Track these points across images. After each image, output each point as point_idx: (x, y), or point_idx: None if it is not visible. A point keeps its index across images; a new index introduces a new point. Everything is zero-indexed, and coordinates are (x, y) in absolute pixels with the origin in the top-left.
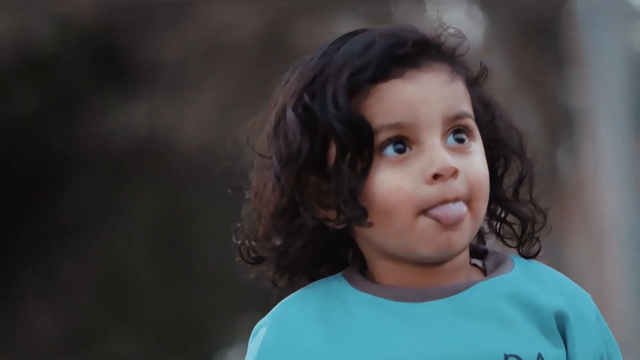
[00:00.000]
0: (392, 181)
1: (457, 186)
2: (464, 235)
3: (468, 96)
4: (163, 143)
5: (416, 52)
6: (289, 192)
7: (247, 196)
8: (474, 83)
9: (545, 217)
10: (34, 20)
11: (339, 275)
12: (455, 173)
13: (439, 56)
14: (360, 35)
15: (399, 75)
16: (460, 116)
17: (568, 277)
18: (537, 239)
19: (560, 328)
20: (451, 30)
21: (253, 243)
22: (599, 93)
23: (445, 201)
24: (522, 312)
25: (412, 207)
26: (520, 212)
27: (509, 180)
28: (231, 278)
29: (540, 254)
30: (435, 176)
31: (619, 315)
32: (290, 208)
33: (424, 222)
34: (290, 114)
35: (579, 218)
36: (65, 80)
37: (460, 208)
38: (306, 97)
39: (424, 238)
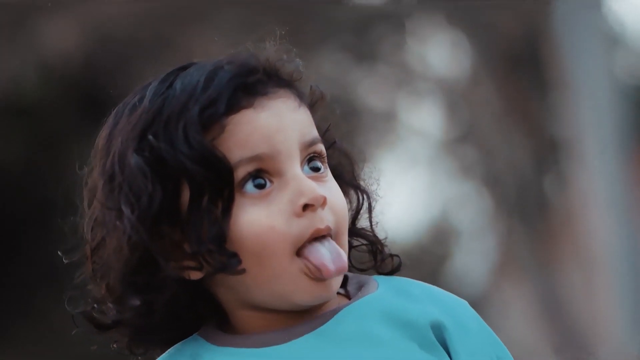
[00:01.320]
0: (261, 221)
1: (326, 216)
2: (340, 277)
3: (313, 122)
4: None
5: (261, 79)
6: (145, 245)
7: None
8: (312, 108)
9: (382, 246)
10: (19, 66)
11: (195, 336)
12: (324, 202)
13: (282, 82)
14: (194, 68)
15: (250, 105)
16: (314, 142)
17: (561, 306)
18: (392, 255)
19: (439, 339)
20: (285, 56)
21: (109, 306)
22: (586, 120)
23: (317, 231)
24: (396, 330)
25: (287, 246)
26: (366, 237)
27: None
28: None
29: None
30: (305, 207)
31: (611, 343)
32: (146, 262)
33: (300, 267)
34: (134, 159)
35: (569, 246)
36: (50, 124)
37: (343, 259)
38: (151, 138)
39: (301, 286)
